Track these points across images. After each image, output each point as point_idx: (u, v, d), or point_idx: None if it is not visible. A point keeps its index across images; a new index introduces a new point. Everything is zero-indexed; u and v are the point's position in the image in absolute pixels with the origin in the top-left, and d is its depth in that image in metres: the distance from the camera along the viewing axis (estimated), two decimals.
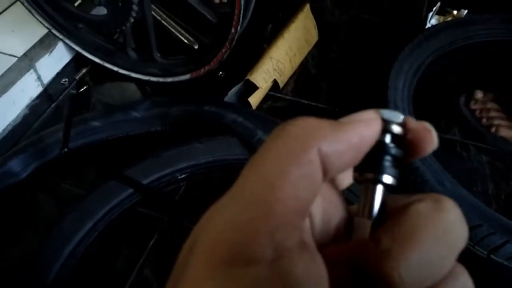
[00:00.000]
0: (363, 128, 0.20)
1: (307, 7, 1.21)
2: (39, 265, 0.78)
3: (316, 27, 1.24)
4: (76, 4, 1.07)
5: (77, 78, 1.13)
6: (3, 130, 1.04)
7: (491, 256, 0.79)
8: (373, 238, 0.19)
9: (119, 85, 1.14)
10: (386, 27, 1.30)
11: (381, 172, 0.20)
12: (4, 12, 1.18)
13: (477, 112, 1.03)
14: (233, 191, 0.18)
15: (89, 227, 0.84)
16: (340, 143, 0.19)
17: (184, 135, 0.96)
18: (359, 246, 0.19)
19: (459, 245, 0.18)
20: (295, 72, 1.18)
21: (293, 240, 0.17)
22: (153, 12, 1.03)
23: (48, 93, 1.13)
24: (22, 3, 1.06)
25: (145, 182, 0.89)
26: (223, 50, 0.99)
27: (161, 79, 1.10)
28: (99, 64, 1.14)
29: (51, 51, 1.12)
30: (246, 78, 1.05)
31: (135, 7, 0.94)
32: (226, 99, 1.05)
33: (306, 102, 1.13)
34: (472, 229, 0.79)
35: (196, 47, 1.13)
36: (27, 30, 1.11)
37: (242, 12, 0.91)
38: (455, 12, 1.23)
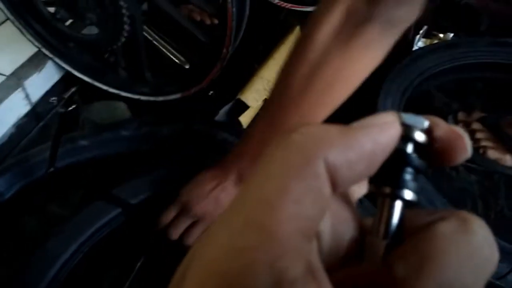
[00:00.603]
0: (378, 134, 0.17)
1: (297, 29, 1.23)
2: None
3: None
4: (67, 23, 1.07)
5: (65, 96, 1.12)
6: None
7: None
8: (387, 263, 0.16)
9: (109, 104, 1.13)
10: None
11: (401, 186, 0.18)
12: None
13: None
14: (229, 211, 0.16)
15: (73, 249, 0.82)
16: (351, 152, 0.16)
17: (174, 155, 0.96)
18: (371, 272, 0.17)
19: (487, 272, 0.16)
20: None
21: (297, 269, 0.14)
22: (144, 32, 1.03)
23: (36, 112, 1.12)
24: (12, 22, 1.06)
25: (134, 202, 0.87)
26: (214, 70, 0.99)
27: (151, 98, 1.10)
28: (88, 83, 1.13)
29: (40, 70, 1.11)
30: (237, 97, 1.05)
31: (126, 27, 0.94)
32: (217, 118, 1.05)
33: None
34: None
35: (187, 66, 1.13)
36: (16, 48, 1.10)
37: (233, 32, 0.92)
38: (441, 35, 1.26)
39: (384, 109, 1.00)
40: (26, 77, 1.08)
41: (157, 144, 1.01)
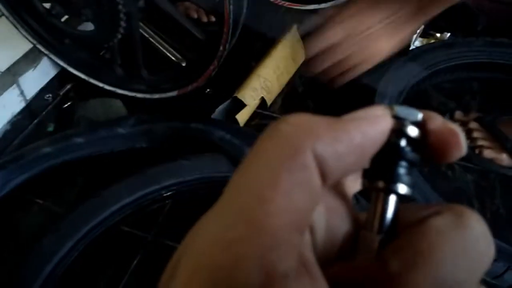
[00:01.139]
0: (368, 127, 0.17)
1: (294, 28, 1.23)
2: (17, 285, 0.75)
3: (303, 47, 1.25)
4: (62, 19, 1.06)
5: (61, 93, 1.11)
6: None
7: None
8: (381, 257, 0.16)
9: (104, 101, 1.13)
10: None
11: (395, 180, 0.17)
12: None
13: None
14: (219, 205, 0.16)
15: (69, 247, 0.81)
16: (340, 144, 0.16)
17: (170, 152, 0.95)
18: (364, 267, 0.16)
19: (482, 267, 0.16)
20: (282, 90, 1.19)
21: (289, 262, 0.14)
22: (140, 29, 1.02)
23: (30, 109, 1.11)
24: (7, 18, 1.05)
25: (129, 199, 0.87)
26: (211, 68, 0.99)
27: (147, 96, 1.09)
28: (84, 80, 1.12)
29: (36, 66, 1.11)
30: (234, 95, 1.04)
31: (122, 24, 0.94)
32: (214, 116, 1.04)
33: None
34: None
35: (183, 64, 1.12)
36: (11, 44, 1.09)
37: (230, 30, 0.91)
38: (438, 35, 1.26)
39: None
40: (21, 73, 1.07)
41: (153, 142, 1.01)
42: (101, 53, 1.11)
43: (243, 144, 0.93)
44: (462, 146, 0.18)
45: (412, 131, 0.18)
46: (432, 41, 1.24)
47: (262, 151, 0.16)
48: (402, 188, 0.18)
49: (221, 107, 1.05)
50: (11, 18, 1.05)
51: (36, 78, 1.12)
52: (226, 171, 0.90)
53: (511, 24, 1.20)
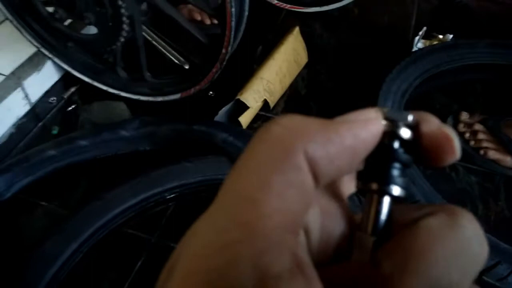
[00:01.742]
0: (360, 129, 0.17)
1: (297, 30, 1.23)
2: (21, 287, 0.75)
3: (306, 49, 1.26)
4: (66, 23, 1.07)
5: (65, 97, 1.12)
6: None
7: (483, 277, 0.79)
8: (375, 259, 0.16)
9: (108, 104, 1.13)
10: (373, 50, 1.33)
11: (388, 182, 0.17)
12: None
13: (466, 135, 1.04)
14: (212, 208, 0.16)
15: (73, 249, 0.81)
16: (331, 146, 0.16)
17: (174, 155, 0.95)
18: (359, 269, 0.17)
19: (476, 267, 0.16)
20: (285, 93, 1.19)
21: (282, 264, 0.14)
22: (143, 32, 1.03)
23: (35, 112, 1.12)
24: (11, 22, 1.06)
25: (133, 201, 0.87)
26: (214, 70, 0.99)
27: (151, 98, 1.10)
28: (88, 83, 1.13)
29: (40, 70, 1.11)
30: (237, 98, 1.05)
31: (125, 27, 0.94)
32: (216, 118, 1.05)
33: None
34: None
35: (186, 67, 1.13)
36: (15, 48, 1.10)
37: (233, 33, 0.91)
38: (441, 36, 1.26)
39: None
40: (26, 77, 1.08)
41: (156, 144, 1.01)
42: (105, 56, 1.11)
43: (246, 146, 0.93)
44: (456, 151, 0.18)
45: (405, 133, 0.18)
46: (435, 42, 1.24)
47: (254, 153, 0.16)
48: (396, 190, 0.18)
49: (224, 109, 1.05)
50: (15, 22, 1.06)
51: (41, 82, 1.12)
52: None
53: None
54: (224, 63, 0.97)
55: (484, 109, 1.11)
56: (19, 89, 1.06)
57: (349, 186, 0.20)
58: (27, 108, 1.09)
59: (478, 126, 1.04)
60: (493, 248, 0.80)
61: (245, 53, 1.20)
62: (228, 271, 0.14)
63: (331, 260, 0.18)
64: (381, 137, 0.18)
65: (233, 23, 0.89)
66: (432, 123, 0.18)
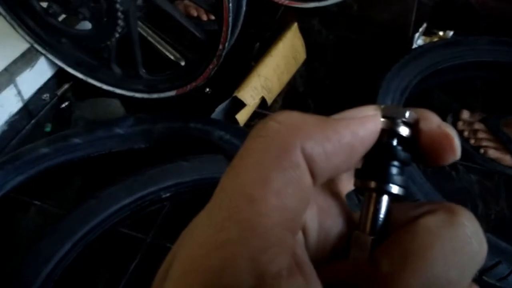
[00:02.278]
0: (358, 126, 0.17)
1: (295, 26, 1.21)
2: (15, 287, 0.74)
3: (304, 46, 1.24)
4: (60, 18, 1.05)
5: (58, 93, 1.10)
6: None
7: (483, 277, 0.78)
8: (374, 258, 0.16)
9: (102, 101, 1.12)
10: (373, 47, 1.32)
11: (387, 180, 0.17)
12: None
13: (466, 133, 1.03)
14: (210, 206, 0.16)
15: (67, 249, 0.80)
16: (328, 143, 0.16)
17: (169, 153, 0.94)
18: (357, 267, 0.16)
19: (475, 266, 0.16)
20: (283, 90, 1.18)
21: (281, 262, 0.14)
22: (139, 28, 1.01)
23: (28, 109, 1.10)
24: (4, 17, 1.04)
25: (128, 200, 0.86)
26: (210, 67, 0.98)
27: (146, 95, 1.08)
28: (82, 79, 1.11)
29: (33, 66, 1.09)
30: (234, 95, 1.03)
31: (120, 22, 0.92)
32: (213, 116, 1.03)
33: None
34: None
35: (182, 63, 1.11)
36: (8, 44, 1.08)
37: (230, 29, 0.90)
38: (441, 33, 1.24)
39: None
40: (18, 73, 1.06)
41: (151, 142, 0.99)
42: (99, 52, 1.10)
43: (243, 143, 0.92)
44: (456, 150, 0.17)
45: (404, 130, 0.18)
46: (435, 39, 1.23)
47: (251, 150, 0.16)
48: (394, 188, 0.17)
49: (220, 106, 1.03)
50: (8, 18, 1.04)
51: (34, 78, 1.11)
52: None
53: None
54: (221, 59, 0.96)
55: (484, 107, 1.10)
56: (11, 85, 1.04)
57: (347, 184, 0.20)
58: (19, 105, 1.08)
59: (478, 125, 1.04)
60: (493, 247, 0.79)
61: (243, 49, 1.19)
62: (226, 270, 0.13)
63: (329, 258, 0.18)
64: (380, 135, 0.17)
65: (230, 19, 0.88)
66: (432, 121, 0.18)
